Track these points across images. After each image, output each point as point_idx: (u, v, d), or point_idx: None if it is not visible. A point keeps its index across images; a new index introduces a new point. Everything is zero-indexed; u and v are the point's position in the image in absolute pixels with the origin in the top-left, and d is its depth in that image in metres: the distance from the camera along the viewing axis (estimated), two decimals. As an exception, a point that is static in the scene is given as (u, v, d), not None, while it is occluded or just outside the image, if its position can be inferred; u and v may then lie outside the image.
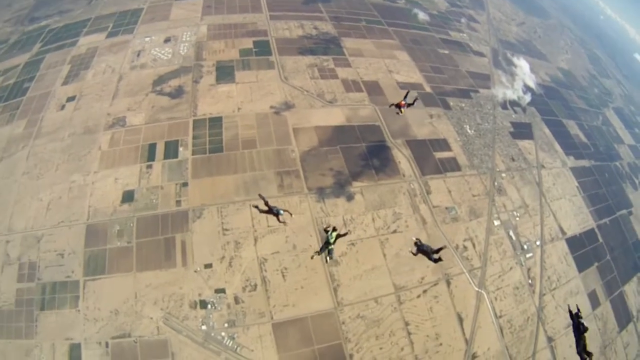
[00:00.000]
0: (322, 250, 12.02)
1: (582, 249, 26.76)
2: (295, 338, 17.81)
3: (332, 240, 11.34)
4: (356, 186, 22.65)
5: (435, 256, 10.86)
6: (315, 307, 18.66)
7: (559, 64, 48.23)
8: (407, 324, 19.26)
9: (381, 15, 39.08)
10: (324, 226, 12.88)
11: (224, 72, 27.68)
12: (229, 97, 26.04)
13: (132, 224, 18.88)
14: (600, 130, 39.97)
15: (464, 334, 19.91)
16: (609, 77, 54.10)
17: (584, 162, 33.59)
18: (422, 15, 42.07)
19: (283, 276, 19.24)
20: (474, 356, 19.86)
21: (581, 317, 9.70)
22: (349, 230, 14.19)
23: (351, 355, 18.03)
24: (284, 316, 18.07)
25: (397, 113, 14.25)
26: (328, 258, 12.43)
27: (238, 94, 26.19)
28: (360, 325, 18.65)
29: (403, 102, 13.87)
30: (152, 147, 22.07)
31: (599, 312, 25.37)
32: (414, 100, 14.53)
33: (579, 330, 9.56)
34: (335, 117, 26.25)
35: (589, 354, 8.86)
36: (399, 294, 19.88)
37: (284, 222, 12.61)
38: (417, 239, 12.22)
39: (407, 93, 14.36)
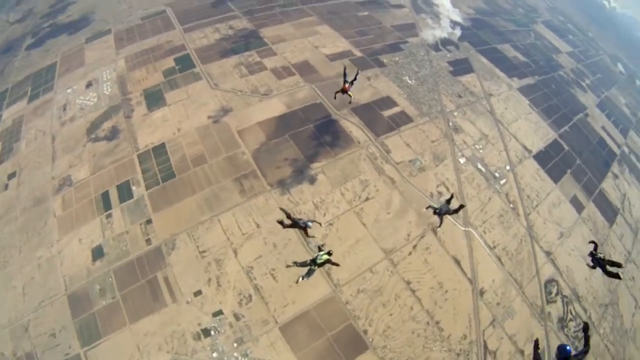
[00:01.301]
0: (300, 265, 12.71)
1: (551, 161, 35.10)
2: (306, 333, 21.85)
3: (319, 262, 12.29)
4: (315, 167, 27.79)
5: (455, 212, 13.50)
6: (314, 297, 22.95)
7: (477, -6, 60.08)
8: (408, 283, 24.49)
9: None
10: (320, 244, 13.69)
11: (154, 99, 32.31)
12: (166, 121, 30.35)
13: (110, 279, 21.85)
14: (536, 46, 51.17)
15: (465, 274, 25.76)
16: (530, -6, 68.16)
17: (529, 80, 43.32)
18: None
19: (273, 278, 23.34)
20: (481, 292, 25.77)
21: (601, 258, 11.07)
22: (337, 264, 13.87)
23: (365, 331, 22.57)
24: (288, 316, 22.18)
25: (349, 102, 17.14)
26: (301, 278, 12.43)
27: (173, 116, 30.73)
28: (363, 299, 23.38)
29: (346, 86, 15.48)
30: (105, 196, 25.84)
31: (586, 214, 33.56)
32: (356, 75, 16.29)
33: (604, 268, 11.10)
34: (274, 107, 31.50)
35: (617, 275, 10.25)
36: (390, 257, 25.09)
37: (313, 236, 13.79)
38: (428, 207, 14.65)
39: (345, 69, 16.59)
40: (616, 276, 11.40)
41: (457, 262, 26.02)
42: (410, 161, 29.17)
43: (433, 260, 25.52)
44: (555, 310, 28.13)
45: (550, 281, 28.93)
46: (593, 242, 12.50)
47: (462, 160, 30.41)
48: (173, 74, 33.87)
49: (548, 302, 28.13)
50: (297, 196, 26.13)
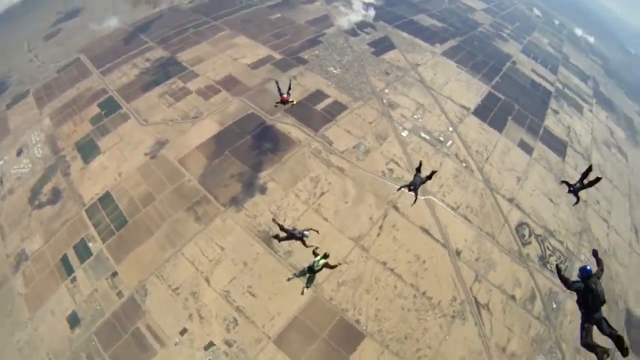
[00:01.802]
0: (300, 275, 13.70)
1: (490, 112, 39.76)
2: (300, 340, 23.64)
3: (317, 269, 12.73)
4: (263, 176, 30.05)
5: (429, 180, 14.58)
6: (297, 302, 24.74)
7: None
8: (384, 263, 27.05)
9: (204, 15, 49.63)
10: (314, 248, 13.55)
11: (87, 149, 33.86)
12: (104, 169, 31.91)
13: (94, 342, 22.93)
14: (451, 10, 57.45)
15: (437, 241, 28.78)
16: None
17: (451, 43, 48.76)
18: None
19: (252, 295, 25.01)
20: (457, 253, 28.88)
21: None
22: (339, 263, 14.87)
23: (357, 321, 24.68)
24: (278, 328, 23.93)
25: (292, 105, 17.58)
26: (305, 288, 13.64)
27: (110, 162, 32.30)
28: (346, 291, 25.57)
29: (285, 96, 16.36)
30: (64, 261, 26.93)
31: (536, 154, 38.21)
32: (290, 84, 17.43)
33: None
34: (208, 128, 33.63)
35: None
36: (360, 244, 27.59)
37: (312, 246, 13.47)
38: (400, 188, 15.33)
39: (277, 83, 17.70)
40: (596, 180, 13.41)
41: (426, 231, 28.96)
42: (354, 147, 32.13)
43: (402, 236, 28.29)
44: (533, 250, 31.78)
45: (520, 225, 32.67)
46: (565, 182, 14.19)
47: (404, 134, 33.84)
48: (100, 120, 35.38)
49: (524, 244, 31.76)
50: (253, 209, 28.16)
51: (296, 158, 31.11)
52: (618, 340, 7.14)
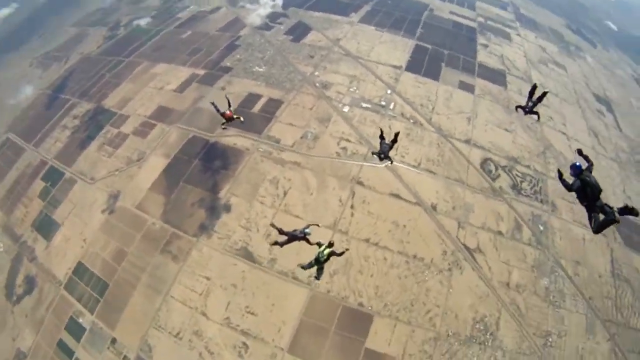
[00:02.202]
0: (307, 267, 14.35)
1: (422, 64, 43.07)
2: (313, 341, 25.48)
3: (323, 259, 13.35)
4: (224, 195, 31.35)
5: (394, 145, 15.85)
6: (297, 305, 26.57)
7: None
8: (367, 240, 29.05)
9: (116, 55, 50.58)
10: (317, 240, 14.17)
11: (45, 227, 34.09)
12: (68, 240, 32.33)
13: None
14: None
15: (410, 202, 31.13)
16: None
17: (365, 9, 52.19)
18: (142, 22, 54.81)
19: (253, 314, 26.45)
20: (434, 207, 31.36)
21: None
22: (346, 249, 15.53)
23: (360, 304, 26.62)
24: (288, 337, 25.52)
25: (242, 122, 17.80)
26: (315, 279, 14.79)
27: (72, 231, 32.74)
28: (340, 279, 27.30)
29: (229, 112, 16.90)
30: (61, 345, 27.64)
31: (479, 90, 41.82)
32: (228, 101, 17.98)
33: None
34: (156, 165, 34.52)
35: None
36: (337, 229, 29.47)
37: (317, 243, 14.05)
38: (373, 152, 16.80)
39: (215, 105, 17.73)
40: (543, 94, 15.21)
41: (397, 196, 31.27)
42: (302, 137, 34.00)
43: (375, 208, 30.44)
44: (504, 182, 34.91)
45: (484, 162, 35.77)
46: (518, 106, 16.08)
47: (346, 109, 36.10)
48: (49, 193, 35.70)
49: (493, 179, 34.78)
50: (224, 230, 29.44)
51: (249, 166, 32.58)
52: (626, 209, 8.49)
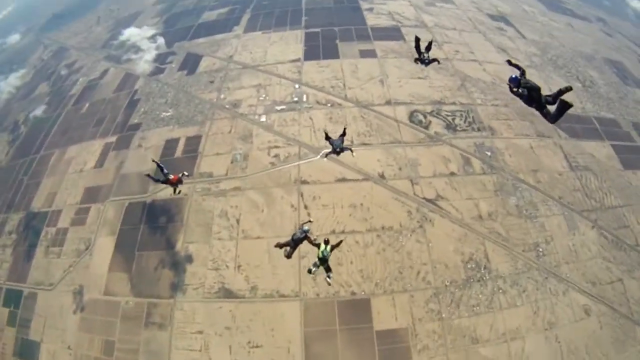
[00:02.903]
0: (316, 269, 16.17)
1: (318, 49, 45.51)
2: (325, 347, 26.34)
3: (328, 256, 14.78)
4: (181, 247, 31.50)
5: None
6: (295, 321, 27.30)
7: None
8: (333, 232, 30.05)
9: (25, 155, 48.42)
10: (313, 238, 15.98)
11: (27, 350, 32.57)
12: (54, 354, 31.01)
13: None
14: None
15: (357, 180, 32.57)
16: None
17: (246, 17, 54.98)
18: (38, 111, 54.75)
19: (258, 346, 26.95)
20: (382, 176, 32.85)
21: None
22: (340, 240, 17.29)
23: (352, 293, 27.96)
24: (300, 354, 26.23)
25: (187, 175, 19.92)
26: (328, 279, 16.54)
27: (53, 344, 31.44)
28: (323, 280, 28.12)
29: (173, 176, 17.91)
30: None
31: (380, 52, 44.55)
32: (158, 163, 19.29)
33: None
34: (105, 246, 33.70)
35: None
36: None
37: (316, 238, 16.16)
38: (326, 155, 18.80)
39: (150, 177, 20.53)
40: (429, 45, 18.12)
41: (343, 179, 32.56)
42: (232, 162, 34.64)
43: (327, 199, 31.51)
44: (437, 126, 37.21)
45: (411, 115, 37.93)
46: (416, 60, 18.12)
47: (263, 119, 37.18)
48: (16, 317, 33.97)
49: (426, 127, 36.98)
50: (195, 279, 29.48)
51: (194, 210, 32.88)
52: (561, 91, 10.40)
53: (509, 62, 12.54)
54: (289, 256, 16.39)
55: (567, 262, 30.20)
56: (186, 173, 18.19)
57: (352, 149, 17.81)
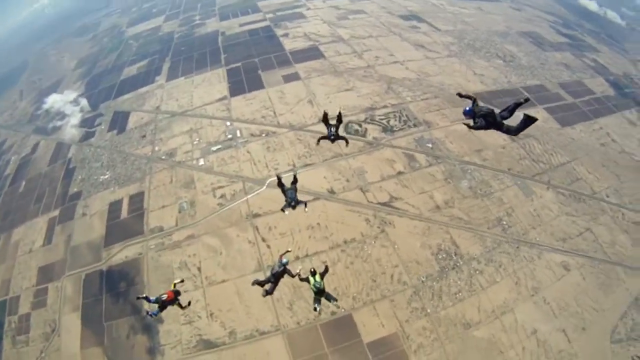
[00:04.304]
0: (319, 304, 15.08)
1: (242, 83, 46.59)
2: None
3: (323, 286, 14.15)
4: (148, 307, 29.85)
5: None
6: (282, 355, 26.56)
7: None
8: (297, 258, 29.71)
9: None
10: (298, 275, 15.27)
11: None
12: None
13: None
14: (143, 43, 62.26)
15: (309, 201, 32.32)
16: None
17: (166, 66, 54.83)
18: None
19: None
20: (331, 191, 32.93)
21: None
22: (326, 266, 16.22)
23: (333, 313, 27.66)
24: None
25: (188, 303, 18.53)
26: (335, 303, 15.73)
27: None
28: (300, 305, 27.99)
29: (169, 293, 15.63)
30: None
31: (304, 73, 45.56)
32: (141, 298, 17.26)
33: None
34: (72, 323, 31.98)
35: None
36: (264, 267, 29.73)
37: (298, 272, 15.16)
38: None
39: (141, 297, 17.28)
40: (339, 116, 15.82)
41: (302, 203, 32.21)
42: (179, 212, 33.95)
43: (283, 227, 31.57)
44: (374, 131, 38.45)
45: (346, 126, 38.55)
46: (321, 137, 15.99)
47: (202, 162, 36.89)
48: None
49: (364, 135, 37.90)
50: (171, 337, 27.82)
51: (152, 267, 31.78)
52: (517, 104, 10.24)
53: (459, 95, 12.11)
54: (270, 292, 15.26)
55: (533, 227, 31.39)
56: (177, 281, 16.34)
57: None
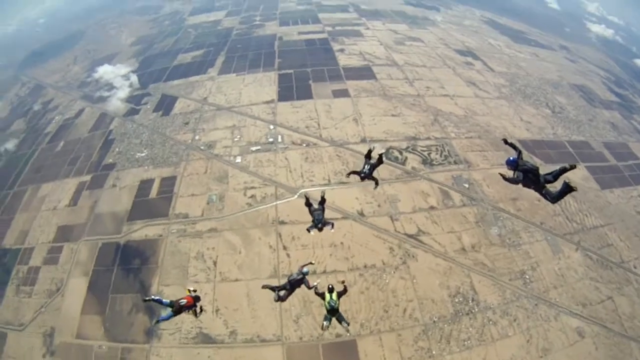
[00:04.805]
0: (329, 322, 13.93)
1: (292, 90, 47.09)
2: None
3: (337, 305, 13.47)
4: (155, 289, 30.32)
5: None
6: None
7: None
8: (314, 273, 29.32)
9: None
10: (314, 288, 14.54)
11: None
12: None
13: None
14: (200, 34, 64.21)
15: (336, 218, 32.21)
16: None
17: (220, 59, 55.73)
18: (10, 144, 52.30)
19: None
20: (361, 214, 32.71)
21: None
22: (344, 282, 15.29)
23: (337, 335, 27.13)
24: None
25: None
26: (346, 326, 14.02)
27: None
28: (306, 321, 27.73)
29: (187, 299, 14.89)
30: None
31: (353, 92, 45.72)
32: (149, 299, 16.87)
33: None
34: (78, 287, 32.47)
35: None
36: (280, 275, 29.62)
37: (315, 285, 14.55)
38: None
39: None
40: (380, 158, 14.80)
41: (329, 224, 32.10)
42: (207, 203, 34.27)
43: (307, 239, 31.20)
44: (413, 161, 37.82)
45: (387, 152, 38.31)
46: (353, 172, 15.35)
47: (238, 160, 37.30)
48: None
49: (403, 164, 37.58)
50: (171, 325, 27.71)
51: (169, 252, 32.03)
52: (564, 169, 9.84)
53: (505, 141, 11.47)
54: (282, 299, 14.96)
55: (555, 286, 30.28)
56: (190, 288, 15.12)
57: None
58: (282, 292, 14.75)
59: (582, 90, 55.36)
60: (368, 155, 14.98)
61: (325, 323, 14.05)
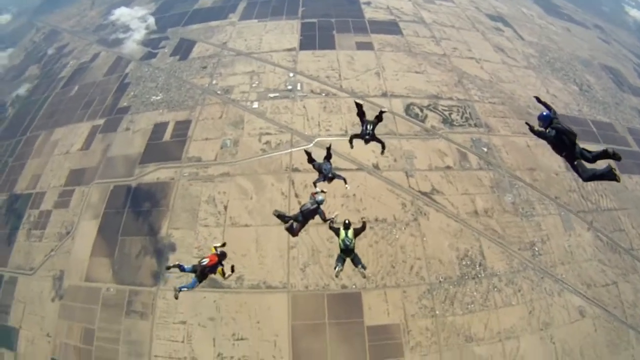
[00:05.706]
0: (342, 265, 12.69)
1: (314, 39, 45.66)
2: (313, 342, 25.68)
3: (352, 245, 12.30)
4: (164, 234, 30.62)
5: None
6: (282, 314, 26.44)
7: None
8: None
9: (12, 137, 47.42)
10: (330, 221, 13.49)
11: (5, 337, 31.31)
12: (33, 342, 30.17)
13: None
14: None
15: (350, 169, 31.73)
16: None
17: (242, 5, 53.53)
18: (22, 90, 52.19)
19: (243, 339, 26.11)
20: (376, 167, 32.09)
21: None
22: (363, 218, 14.59)
23: (343, 286, 27.36)
24: (287, 349, 25.56)
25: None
26: (362, 270, 12.99)
27: (33, 330, 30.58)
28: (313, 270, 27.63)
29: (210, 257, 13.56)
30: None
31: (377, 45, 44.12)
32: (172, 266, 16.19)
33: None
34: (88, 230, 32.91)
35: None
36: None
37: (333, 218, 13.62)
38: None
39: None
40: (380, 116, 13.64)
41: (336, 168, 31.42)
42: (221, 147, 33.87)
43: (319, 187, 30.51)
44: (433, 120, 36.74)
45: (407, 108, 37.48)
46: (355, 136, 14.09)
47: (255, 105, 36.55)
48: None
49: (423, 121, 36.50)
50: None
51: (180, 195, 32.03)
52: (606, 153, 8.27)
53: (538, 100, 10.29)
54: (294, 231, 13.55)
55: (562, 262, 29.85)
56: (217, 244, 13.62)
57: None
58: (295, 224, 13.52)
59: (612, 73, 52.93)
60: (362, 113, 13.86)
61: (338, 267, 12.65)
